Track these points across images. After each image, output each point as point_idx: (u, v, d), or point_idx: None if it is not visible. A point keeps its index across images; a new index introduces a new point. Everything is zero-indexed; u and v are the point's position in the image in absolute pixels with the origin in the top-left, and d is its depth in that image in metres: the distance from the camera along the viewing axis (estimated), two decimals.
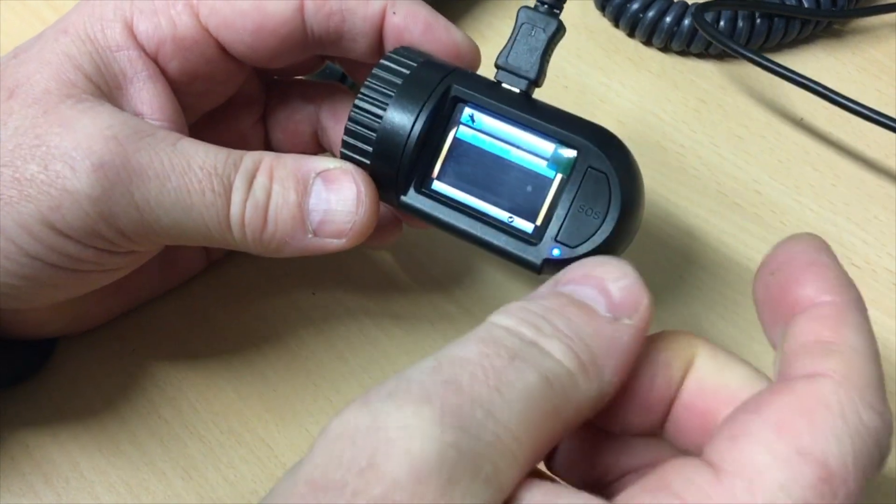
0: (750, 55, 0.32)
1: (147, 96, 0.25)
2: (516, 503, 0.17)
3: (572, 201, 0.23)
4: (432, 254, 0.32)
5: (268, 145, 0.30)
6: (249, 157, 0.24)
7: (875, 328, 0.29)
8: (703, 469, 0.17)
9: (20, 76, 0.23)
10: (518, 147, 0.24)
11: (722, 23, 0.35)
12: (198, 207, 0.23)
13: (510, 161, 0.24)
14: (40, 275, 0.23)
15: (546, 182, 0.23)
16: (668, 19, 0.35)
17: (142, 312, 0.30)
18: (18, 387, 0.29)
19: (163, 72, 0.25)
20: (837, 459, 0.16)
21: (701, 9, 0.34)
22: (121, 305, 0.30)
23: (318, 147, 0.30)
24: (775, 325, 0.20)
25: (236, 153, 0.24)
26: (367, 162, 0.24)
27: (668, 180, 0.33)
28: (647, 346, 0.20)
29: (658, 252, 0.31)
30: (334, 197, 0.24)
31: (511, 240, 0.23)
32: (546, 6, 0.25)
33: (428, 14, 0.26)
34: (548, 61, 0.25)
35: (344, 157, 0.25)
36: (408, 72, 0.24)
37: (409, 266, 0.31)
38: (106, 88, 0.24)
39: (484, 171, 0.24)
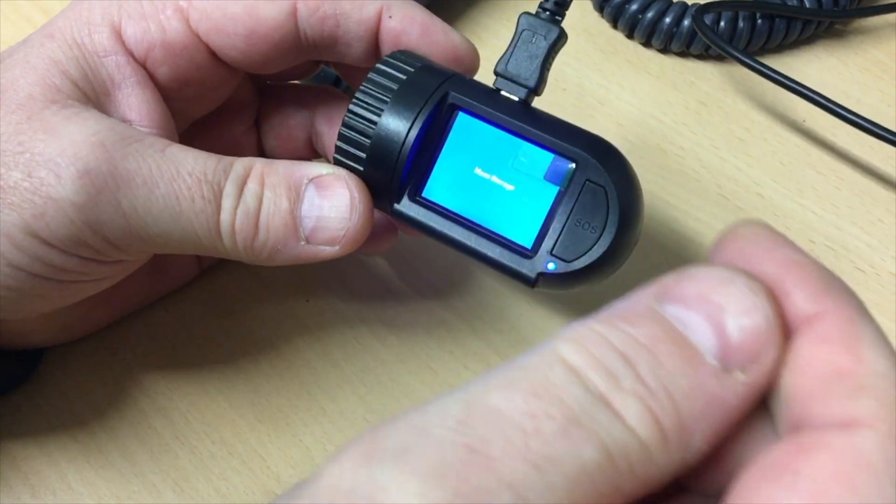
0: (748, 61, 0.32)
1: (135, 102, 0.24)
2: None
3: (569, 214, 0.22)
4: (429, 260, 0.31)
5: (261, 151, 0.29)
6: (240, 164, 0.23)
7: None
8: None
9: (4, 81, 0.23)
10: (515, 157, 0.23)
11: (722, 24, 0.34)
12: (187, 214, 0.22)
13: (507, 172, 0.23)
14: (25, 285, 0.23)
15: (543, 194, 0.23)
16: (667, 20, 0.35)
17: (132, 321, 0.30)
18: (5, 397, 0.28)
19: (152, 77, 0.24)
20: None
21: (701, 10, 0.33)
22: (110, 315, 0.29)
23: (312, 153, 0.29)
24: None
25: (227, 159, 0.23)
26: (361, 168, 0.24)
27: (668, 183, 0.33)
28: None
29: (658, 256, 0.31)
30: (327, 203, 0.23)
31: (505, 252, 0.23)
32: (547, 13, 0.24)
33: (425, 17, 0.25)
34: (548, 69, 0.24)
35: (337, 162, 0.24)
36: (404, 77, 0.23)
37: (405, 273, 0.31)
38: (93, 94, 0.24)
39: (480, 181, 0.23)
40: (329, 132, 0.28)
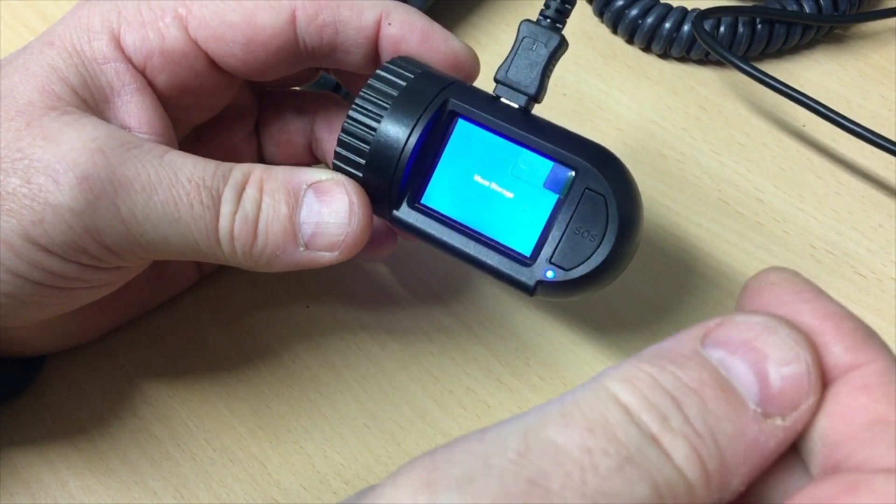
0: (746, 68, 0.32)
1: (134, 109, 0.24)
2: None
3: (568, 223, 0.22)
4: (429, 266, 0.31)
5: (261, 157, 0.29)
6: (239, 170, 0.23)
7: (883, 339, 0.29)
8: None
9: (4, 88, 0.23)
10: (515, 165, 0.23)
11: (722, 29, 0.34)
12: (185, 220, 0.22)
13: (506, 179, 0.23)
14: (24, 292, 0.23)
15: (542, 202, 0.23)
16: (667, 25, 0.35)
17: (132, 328, 0.30)
18: (6, 405, 0.28)
19: (151, 85, 0.24)
20: None
21: (701, 16, 0.33)
22: (110, 322, 0.29)
23: (312, 159, 0.29)
24: None
25: (225, 165, 0.23)
26: (360, 174, 0.24)
27: (668, 188, 0.33)
28: None
29: (658, 261, 0.31)
30: (326, 209, 0.23)
31: (504, 260, 0.23)
32: (548, 20, 0.24)
33: (425, 23, 0.25)
34: (549, 77, 0.24)
35: (337, 168, 0.24)
36: (404, 83, 0.23)
37: (405, 279, 0.31)
38: (92, 101, 0.24)
39: (479, 188, 0.23)
40: (329, 138, 0.28)
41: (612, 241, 0.22)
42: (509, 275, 0.23)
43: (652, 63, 0.36)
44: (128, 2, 0.24)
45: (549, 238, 0.22)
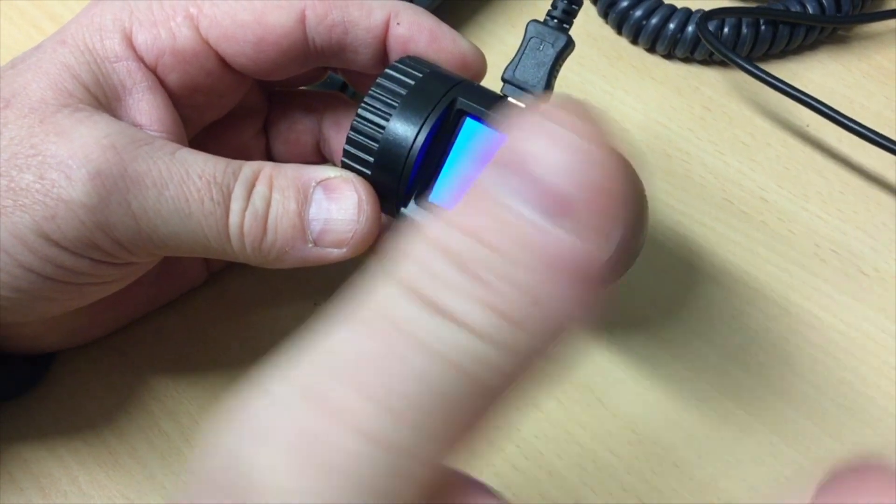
0: (750, 68, 0.32)
1: (146, 107, 0.24)
2: None
3: None
4: None
5: (270, 156, 0.30)
6: (249, 167, 0.24)
7: (886, 338, 0.29)
8: None
9: (17, 86, 0.23)
10: None
11: (726, 30, 0.35)
12: (196, 216, 0.23)
13: None
14: (35, 287, 0.23)
15: None
16: (671, 26, 0.35)
17: (141, 325, 0.30)
18: (16, 401, 0.28)
19: (162, 83, 0.25)
20: None
21: (705, 17, 0.33)
22: (119, 319, 0.29)
23: (320, 157, 0.30)
24: None
25: (235, 163, 0.24)
26: (369, 172, 0.24)
27: (673, 188, 0.33)
28: None
29: (663, 260, 0.31)
30: (335, 206, 0.24)
31: None
32: (555, 21, 0.24)
33: (433, 24, 0.25)
34: (556, 76, 0.24)
35: (345, 166, 0.24)
36: (412, 82, 0.24)
37: None
38: (104, 99, 0.24)
39: None
40: (337, 137, 0.28)
41: (617, 237, 0.22)
42: None
43: (656, 64, 0.36)
44: (140, 1, 0.24)
45: None
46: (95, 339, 0.29)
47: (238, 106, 0.28)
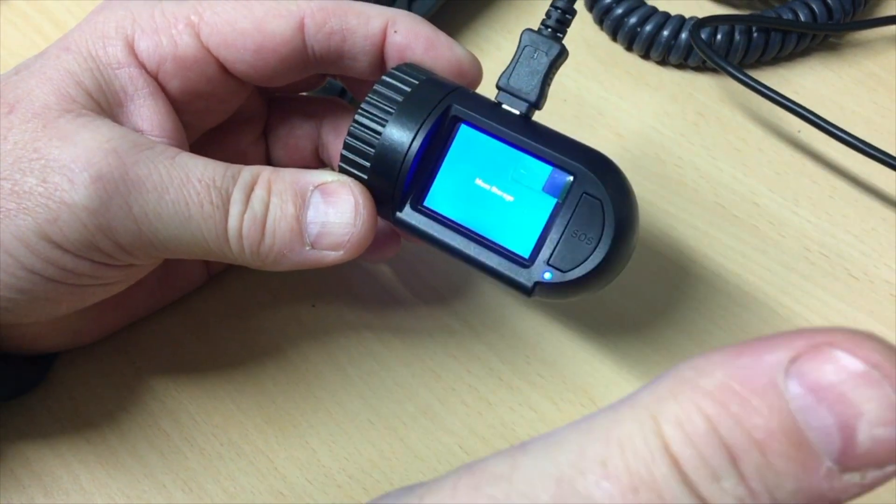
0: (741, 76, 0.32)
1: (147, 113, 0.25)
2: None
3: (566, 226, 0.23)
4: (432, 266, 0.32)
5: (269, 161, 0.30)
6: (248, 171, 0.24)
7: None
8: None
9: (21, 91, 0.24)
10: (515, 169, 0.24)
11: (719, 37, 0.35)
12: (196, 220, 0.23)
13: (506, 183, 0.24)
14: (38, 289, 0.23)
15: (541, 206, 0.23)
16: (665, 33, 0.36)
17: (142, 326, 0.30)
18: (18, 400, 0.29)
19: (163, 89, 0.25)
20: None
21: (698, 24, 0.34)
22: (120, 320, 0.30)
23: (318, 162, 0.30)
24: None
25: (235, 167, 0.24)
26: (365, 177, 0.24)
27: (666, 192, 0.33)
28: None
29: (656, 262, 0.32)
30: (332, 210, 0.24)
31: (503, 261, 0.23)
32: (549, 30, 0.25)
33: (430, 31, 0.26)
34: (549, 84, 0.25)
35: (342, 171, 0.25)
36: (409, 89, 0.24)
37: (408, 279, 0.32)
38: (106, 105, 0.24)
39: (480, 192, 0.24)
40: (335, 142, 0.29)
41: (607, 244, 0.22)
42: (508, 276, 0.23)
43: (651, 70, 0.37)
44: (142, 9, 0.25)
45: (548, 241, 0.23)
46: (97, 340, 0.30)
47: (238, 111, 0.28)
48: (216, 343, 0.30)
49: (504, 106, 0.25)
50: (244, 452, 0.28)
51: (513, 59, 0.25)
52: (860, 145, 0.31)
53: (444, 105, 0.24)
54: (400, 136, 0.24)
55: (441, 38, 0.26)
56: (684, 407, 0.13)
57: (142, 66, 0.25)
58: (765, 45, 0.35)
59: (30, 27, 0.39)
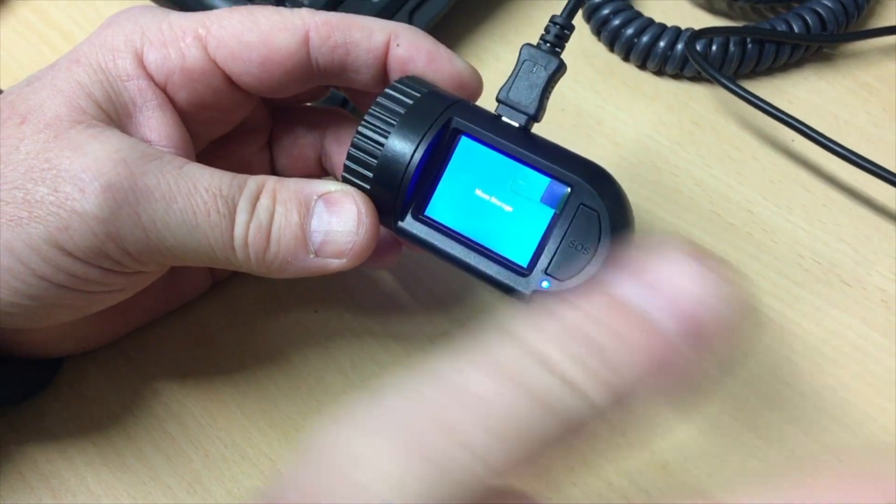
0: (734, 88, 0.33)
1: (156, 124, 0.25)
2: None
3: (563, 236, 0.23)
4: (433, 274, 0.32)
5: (273, 170, 0.31)
6: (253, 181, 0.25)
7: (867, 345, 0.30)
8: None
9: (32, 103, 0.24)
10: (514, 181, 0.24)
11: (714, 48, 0.36)
12: (203, 228, 0.24)
13: (505, 194, 0.24)
14: (48, 295, 0.24)
15: (539, 216, 0.24)
16: (661, 44, 0.36)
17: (148, 332, 0.31)
18: (27, 403, 0.29)
19: (171, 101, 0.26)
20: None
21: (693, 36, 0.35)
22: (126, 326, 0.30)
23: (322, 172, 0.31)
24: None
25: (241, 177, 0.25)
26: (368, 187, 0.25)
27: (663, 200, 0.34)
28: None
29: None
30: (335, 219, 0.25)
31: (502, 270, 0.24)
32: (548, 45, 0.25)
33: (431, 45, 0.26)
34: (548, 98, 0.25)
35: (345, 180, 0.25)
36: (411, 102, 0.25)
37: (409, 285, 0.32)
38: (116, 116, 0.25)
39: (480, 202, 0.25)
40: (338, 151, 0.29)
41: (604, 254, 0.23)
42: (507, 284, 0.24)
43: (648, 80, 0.38)
44: (151, 23, 0.26)
45: (545, 250, 0.24)
46: (104, 345, 0.30)
47: (243, 122, 0.29)
48: (220, 348, 0.31)
49: (504, 118, 0.25)
50: (248, 455, 0.29)
51: (512, 73, 0.25)
52: (850, 156, 0.32)
53: (446, 117, 0.24)
54: (402, 147, 0.24)
55: (442, 51, 0.26)
56: (532, 313, 0.16)
57: (150, 78, 0.25)
58: (759, 56, 0.36)
59: (36, 37, 0.40)
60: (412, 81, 0.25)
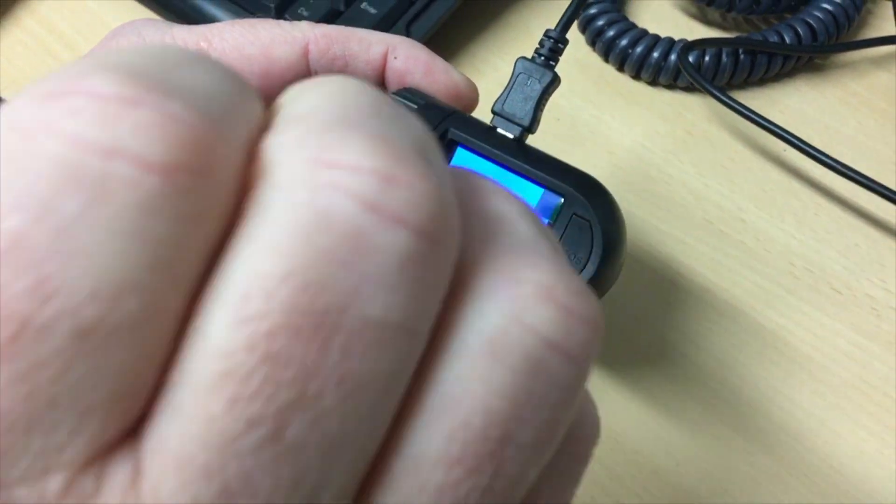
0: (725, 99, 0.34)
1: None
2: None
3: None
4: None
5: None
6: None
7: (856, 352, 0.31)
8: None
9: None
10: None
11: (707, 59, 0.36)
12: None
13: None
14: None
15: None
16: (655, 55, 0.37)
17: None
18: None
19: None
20: None
21: (686, 48, 0.35)
22: None
23: None
24: None
25: None
26: None
27: (656, 209, 0.34)
28: None
29: (645, 277, 0.33)
30: None
31: None
32: (542, 58, 0.26)
33: (428, 57, 0.27)
34: (542, 110, 0.26)
35: None
36: None
37: None
38: None
39: None
40: None
41: (596, 263, 0.24)
42: None
43: (642, 90, 0.38)
44: (154, 35, 0.26)
45: None
46: None
47: None
48: None
49: (499, 130, 0.26)
50: None
51: (507, 85, 0.26)
52: (838, 167, 0.32)
53: (442, 128, 0.25)
54: None
55: (438, 63, 0.27)
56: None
57: None
58: (751, 67, 0.37)
59: (38, 45, 0.41)
60: (409, 93, 0.26)
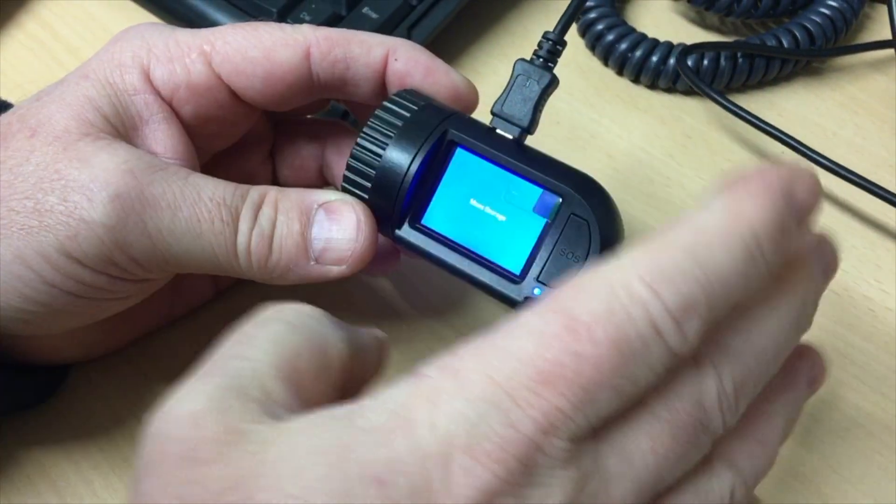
0: (723, 101, 0.34)
1: (161, 136, 0.26)
2: None
3: (555, 245, 0.24)
4: (429, 281, 0.33)
5: (275, 181, 0.31)
6: (256, 190, 0.26)
7: (854, 353, 0.31)
8: None
9: (42, 116, 0.25)
10: (507, 191, 0.25)
11: (705, 62, 0.37)
12: (207, 236, 0.24)
13: (499, 203, 0.25)
14: (57, 302, 0.24)
15: (531, 225, 0.25)
16: (654, 59, 0.37)
17: (153, 339, 0.31)
18: (34, 409, 0.30)
19: (177, 114, 0.27)
20: None
21: (685, 51, 0.35)
22: (133, 332, 0.31)
23: (323, 182, 0.31)
24: None
25: (244, 187, 0.25)
26: (366, 196, 0.26)
27: (655, 211, 0.35)
28: None
29: None
30: (335, 227, 0.25)
31: (495, 277, 0.25)
32: (541, 60, 0.26)
33: (428, 59, 0.27)
34: (540, 111, 0.26)
35: (345, 190, 0.26)
36: (408, 114, 0.25)
37: (407, 292, 0.33)
38: (123, 129, 0.26)
39: (475, 211, 0.25)
40: (338, 162, 0.30)
41: (594, 261, 0.24)
42: (500, 291, 0.25)
43: (641, 93, 0.38)
44: (157, 39, 0.26)
45: (537, 258, 0.24)
46: (110, 352, 0.31)
47: (246, 134, 0.30)
48: None
49: (498, 130, 0.26)
50: None
51: (506, 87, 0.26)
52: (836, 169, 0.32)
53: (442, 129, 0.25)
54: (399, 158, 0.25)
55: (439, 65, 0.27)
56: None
57: (157, 92, 0.26)
58: (749, 71, 0.37)
59: (42, 51, 0.41)
60: (409, 95, 0.26)
